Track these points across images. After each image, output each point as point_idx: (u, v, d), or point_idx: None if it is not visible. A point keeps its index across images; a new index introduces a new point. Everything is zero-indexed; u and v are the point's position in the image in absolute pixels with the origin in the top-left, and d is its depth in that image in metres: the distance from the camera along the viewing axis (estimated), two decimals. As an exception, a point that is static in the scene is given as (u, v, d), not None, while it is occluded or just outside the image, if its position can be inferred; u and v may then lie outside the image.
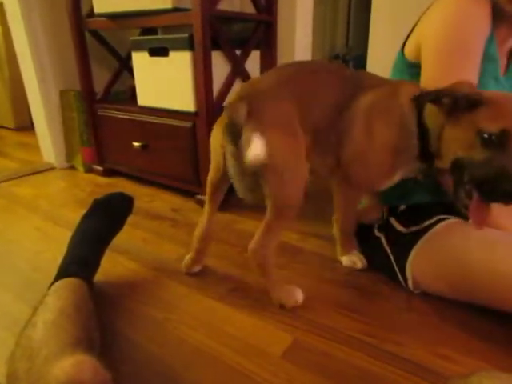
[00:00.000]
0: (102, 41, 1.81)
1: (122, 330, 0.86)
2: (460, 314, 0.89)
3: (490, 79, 0.88)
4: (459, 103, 0.72)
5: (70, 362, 0.55)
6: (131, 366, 0.77)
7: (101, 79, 1.88)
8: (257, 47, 1.64)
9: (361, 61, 3.78)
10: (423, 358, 0.78)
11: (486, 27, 0.83)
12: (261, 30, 1.60)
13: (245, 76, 1.57)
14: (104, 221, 1.01)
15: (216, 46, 1.39)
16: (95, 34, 1.76)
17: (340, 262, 1.10)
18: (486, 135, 0.68)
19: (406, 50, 0.95)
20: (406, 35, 0.99)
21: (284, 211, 0.84)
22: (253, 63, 1.63)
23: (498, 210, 0.87)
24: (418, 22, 0.94)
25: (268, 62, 1.69)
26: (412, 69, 0.93)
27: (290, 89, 0.84)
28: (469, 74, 0.83)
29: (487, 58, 0.86)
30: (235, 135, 0.78)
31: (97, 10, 1.55)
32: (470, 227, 0.87)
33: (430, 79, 0.87)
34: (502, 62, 0.94)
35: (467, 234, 0.86)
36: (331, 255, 1.14)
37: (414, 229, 0.93)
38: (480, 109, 0.70)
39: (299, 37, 1.72)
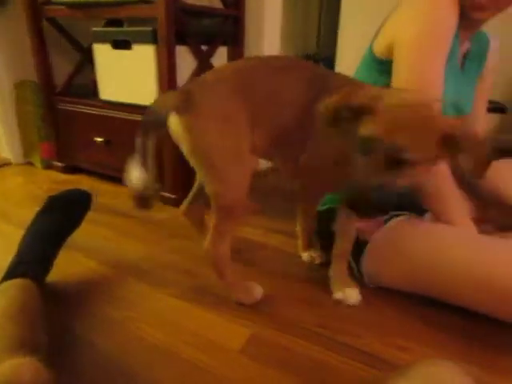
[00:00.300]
0: (61, 30, 1.73)
1: (81, 331, 0.84)
2: (415, 306, 0.92)
3: (451, 75, 0.91)
4: (348, 113, 0.68)
5: (10, 365, 0.54)
6: (85, 367, 0.74)
7: (62, 71, 1.81)
8: (224, 43, 1.63)
9: (331, 61, 3.84)
10: (380, 349, 0.80)
11: (455, 26, 0.86)
12: (228, 26, 1.59)
13: (211, 72, 1.56)
14: (59, 218, 0.97)
15: (181, 40, 1.37)
16: (53, 22, 1.69)
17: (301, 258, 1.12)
18: (358, 144, 0.66)
19: (375, 48, 0.96)
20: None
21: (226, 211, 0.82)
22: (220, 60, 1.62)
23: (458, 206, 0.91)
24: (386, 19, 0.96)
25: (235, 58, 1.68)
26: (381, 66, 0.95)
27: (243, 83, 0.79)
28: (440, 70, 0.86)
29: (450, 54, 0.89)
30: (150, 126, 0.75)
31: (55, -3, 1.49)
32: (421, 223, 0.91)
33: (405, 77, 0.88)
34: (460, 63, 0.98)
35: (418, 229, 0.90)
36: (294, 251, 1.15)
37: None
38: (364, 118, 0.66)
39: (267, 33, 1.72)
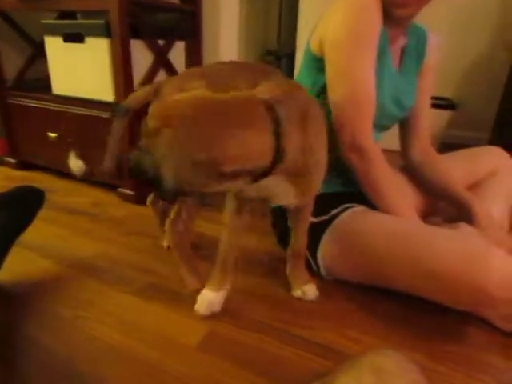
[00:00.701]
0: (12, 23, 1.67)
1: (30, 332, 0.81)
2: (368, 298, 0.96)
3: (385, 72, 0.95)
4: None
5: None
6: (32, 368, 0.73)
7: (13, 65, 1.73)
8: (181, 38, 1.61)
9: (292, 58, 3.87)
10: (332, 340, 0.82)
11: (379, 22, 0.89)
12: (185, 20, 1.57)
13: (169, 67, 1.54)
14: (7, 216, 0.94)
15: (137, 34, 1.35)
16: (4, 15, 1.62)
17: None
18: None
19: (312, 44, 0.98)
20: None
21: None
22: (178, 54, 1.61)
23: (398, 199, 0.94)
24: (321, 16, 0.98)
25: (193, 53, 1.67)
26: (318, 63, 0.96)
27: (207, 82, 0.80)
28: (368, 63, 0.89)
29: (381, 52, 0.92)
30: (119, 115, 0.87)
31: (4, -11, 1.43)
32: (372, 215, 0.94)
33: (334, 70, 0.91)
34: (396, 57, 1.01)
35: (369, 221, 0.92)
36: (252, 246, 1.17)
37: (323, 218, 0.97)
38: None
39: (224, 27, 1.71)
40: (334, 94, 0.92)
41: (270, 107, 0.61)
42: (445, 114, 2.22)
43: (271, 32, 4.31)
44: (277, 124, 0.61)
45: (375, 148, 0.92)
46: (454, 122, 2.30)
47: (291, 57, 3.96)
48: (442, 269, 0.78)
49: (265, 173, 0.63)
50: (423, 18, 0.99)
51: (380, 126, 1.04)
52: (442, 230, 0.88)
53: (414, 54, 1.04)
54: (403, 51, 1.03)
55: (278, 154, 0.62)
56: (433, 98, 1.14)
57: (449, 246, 0.80)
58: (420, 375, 0.59)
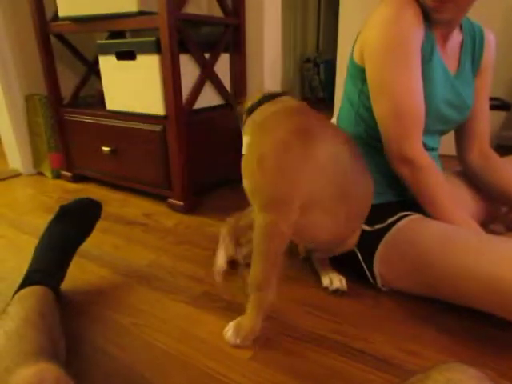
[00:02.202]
0: (68, 44, 1.78)
1: (90, 338, 0.85)
2: (426, 310, 0.92)
3: (436, 76, 0.90)
4: None
5: (32, 371, 0.54)
6: (98, 374, 0.76)
7: (68, 83, 1.86)
8: (226, 50, 1.64)
9: (331, 64, 3.86)
10: (390, 353, 0.79)
11: (419, 27, 0.85)
12: (229, 33, 1.61)
13: (215, 79, 1.58)
14: (71, 227, 0.99)
15: (184, 49, 1.39)
16: (60, 37, 1.74)
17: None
18: None
19: (355, 54, 0.96)
20: None
21: None
22: (223, 66, 1.64)
23: (454, 206, 0.90)
24: (363, 25, 0.95)
25: (238, 64, 1.70)
26: (362, 73, 0.94)
27: None
28: (408, 72, 0.85)
29: (427, 56, 0.88)
30: None
31: (61, 13, 1.53)
32: (429, 223, 0.90)
33: (373, 83, 0.90)
34: (452, 58, 0.96)
35: (427, 229, 0.88)
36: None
37: (378, 226, 0.94)
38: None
39: (268, 39, 1.73)
40: (376, 108, 0.91)
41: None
42: (498, 115, 2.12)
43: (310, 40, 4.32)
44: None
45: (424, 157, 0.89)
46: (509, 123, 2.19)
47: (330, 62, 3.96)
48: (508, 283, 0.72)
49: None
50: (475, 16, 0.95)
51: (438, 132, 1.00)
52: (506, 239, 0.81)
53: (471, 53, 0.99)
54: (461, 49, 0.97)
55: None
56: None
57: None
58: None
